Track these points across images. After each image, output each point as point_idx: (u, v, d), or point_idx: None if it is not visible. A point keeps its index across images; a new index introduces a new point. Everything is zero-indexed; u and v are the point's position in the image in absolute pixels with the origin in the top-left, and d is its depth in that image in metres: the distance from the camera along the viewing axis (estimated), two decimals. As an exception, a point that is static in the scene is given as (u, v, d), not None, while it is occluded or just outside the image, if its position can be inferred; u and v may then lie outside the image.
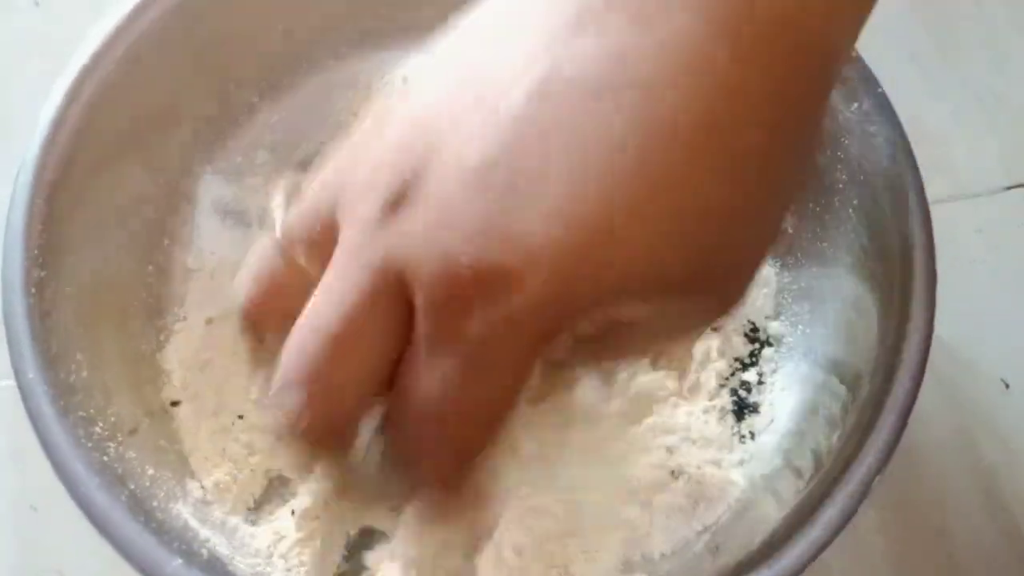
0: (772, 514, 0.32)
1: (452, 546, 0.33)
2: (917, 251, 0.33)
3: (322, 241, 0.26)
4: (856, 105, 0.35)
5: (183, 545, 0.29)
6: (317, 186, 0.27)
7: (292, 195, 0.31)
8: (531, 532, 0.33)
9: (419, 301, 0.24)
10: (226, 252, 0.39)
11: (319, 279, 0.26)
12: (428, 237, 0.23)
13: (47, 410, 0.29)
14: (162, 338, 0.37)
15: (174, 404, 0.36)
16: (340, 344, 0.25)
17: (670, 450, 0.35)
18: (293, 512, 0.33)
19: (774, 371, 0.38)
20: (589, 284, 0.22)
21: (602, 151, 0.22)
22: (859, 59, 0.36)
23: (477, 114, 0.23)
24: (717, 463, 0.35)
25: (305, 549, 0.33)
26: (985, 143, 0.47)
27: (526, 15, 0.24)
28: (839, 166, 0.36)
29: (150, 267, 0.37)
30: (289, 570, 0.32)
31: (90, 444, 0.30)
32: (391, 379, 0.26)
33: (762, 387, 0.37)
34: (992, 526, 0.39)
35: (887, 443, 0.30)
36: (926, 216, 0.34)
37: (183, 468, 0.34)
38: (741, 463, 0.35)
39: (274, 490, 0.35)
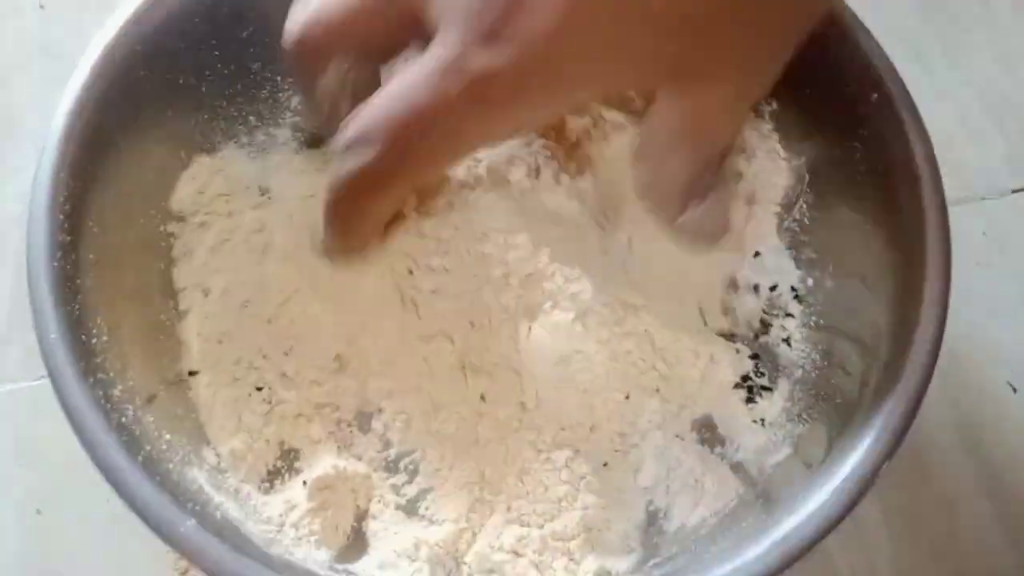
0: (780, 499, 0.32)
1: None
2: (932, 243, 0.33)
3: None
4: (875, 96, 0.36)
5: (197, 507, 0.29)
6: None
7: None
8: None
9: (428, 17, 0.29)
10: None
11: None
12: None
13: (67, 370, 0.30)
14: (182, 309, 0.37)
15: (192, 374, 0.36)
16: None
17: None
18: (305, 483, 0.34)
19: (787, 363, 0.38)
20: (595, 41, 0.28)
21: None
22: (880, 51, 0.36)
23: None
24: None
25: (316, 519, 0.33)
26: (992, 145, 0.47)
27: None
28: (857, 156, 0.36)
29: (171, 239, 0.38)
30: (300, 538, 0.33)
31: (109, 405, 0.30)
32: None
33: (775, 376, 0.37)
34: (998, 529, 0.39)
35: (895, 432, 0.31)
36: (942, 207, 0.34)
37: (199, 436, 0.35)
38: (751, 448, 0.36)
39: (287, 461, 0.35)
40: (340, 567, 0.33)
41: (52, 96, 0.35)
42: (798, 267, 0.39)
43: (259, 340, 0.37)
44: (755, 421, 0.36)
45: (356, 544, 0.34)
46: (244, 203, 0.40)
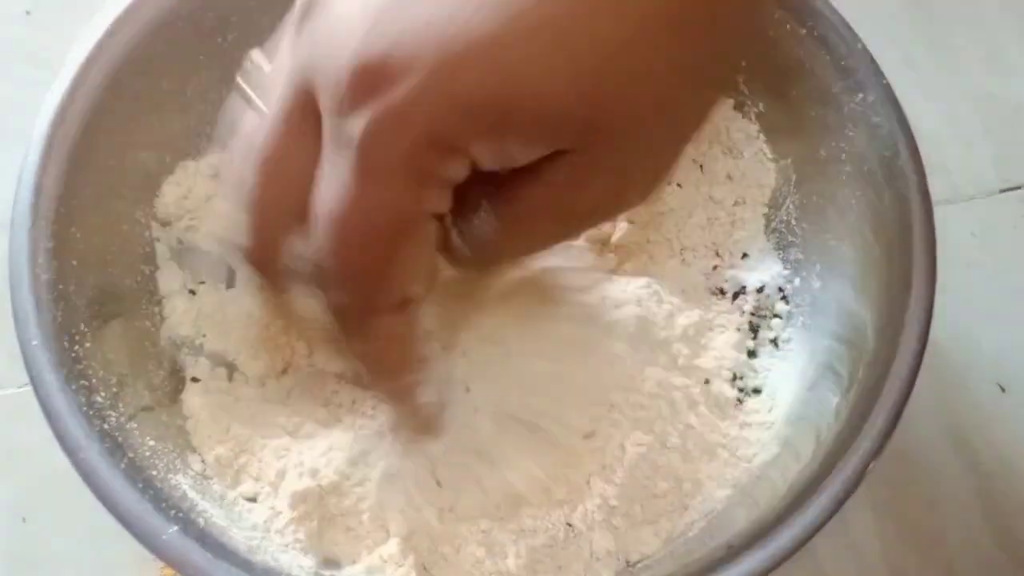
0: (768, 498, 0.32)
1: None
2: (918, 242, 0.33)
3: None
4: (861, 96, 0.36)
5: (180, 514, 0.29)
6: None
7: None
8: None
9: (321, 109, 0.24)
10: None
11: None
12: (324, 43, 0.23)
13: (49, 377, 0.30)
14: (166, 314, 0.37)
15: (194, 380, 0.36)
16: (266, 163, 0.26)
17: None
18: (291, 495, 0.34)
19: (774, 363, 0.38)
20: (474, 86, 0.22)
21: None
22: (865, 52, 0.36)
23: None
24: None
25: (300, 527, 0.33)
26: (979, 145, 0.47)
27: None
28: (843, 157, 0.36)
29: (156, 244, 0.38)
30: (286, 545, 0.33)
31: (91, 412, 0.30)
32: None
33: (766, 374, 0.37)
34: (987, 529, 0.39)
35: (882, 431, 0.31)
36: (928, 207, 0.34)
37: (184, 442, 0.34)
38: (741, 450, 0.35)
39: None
40: (326, 574, 0.32)
41: (37, 102, 0.34)
42: (785, 268, 0.39)
43: (244, 344, 0.37)
44: (744, 421, 0.36)
45: (342, 550, 0.34)
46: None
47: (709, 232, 0.40)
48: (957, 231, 0.44)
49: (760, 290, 0.39)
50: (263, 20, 0.40)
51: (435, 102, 0.22)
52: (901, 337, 0.32)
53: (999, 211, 0.45)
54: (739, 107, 0.41)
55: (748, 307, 0.39)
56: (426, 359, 0.30)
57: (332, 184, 0.24)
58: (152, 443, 0.32)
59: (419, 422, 0.32)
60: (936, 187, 0.34)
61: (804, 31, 0.37)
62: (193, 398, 0.36)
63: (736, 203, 0.40)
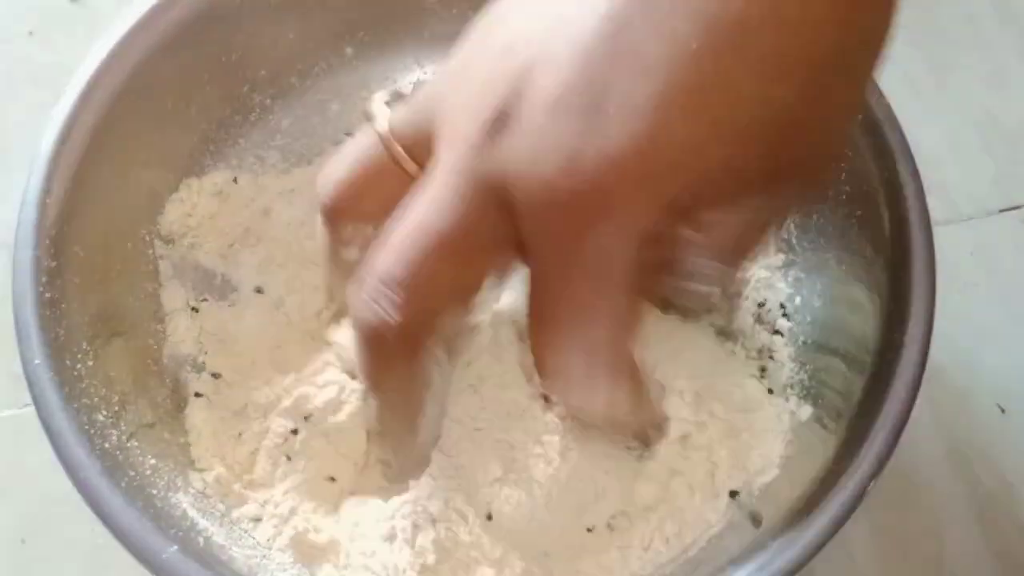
0: (766, 520, 0.32)
1: None
2: (918, 262, 0.33)
3: (421, 142, 0.28)
4: (861, 116, 0.36)
5: (180, 533, 0.29)
6: (421, 97, 0.29)
7: (394, 101, 0.31)
8: None
9: (526, 227, 0.25)
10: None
11: (413, 177, 0.28)
12: (528, 161, 0.24)
13: (51, 396, 0.30)
14: (168, 332, 0.37)
15: (198, 395, 0.36)
16: (446, 247, 0.26)
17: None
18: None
19: (775, 381, 0.38)
20: (673, 183, 0.23)
21: (674, 64, 0.22)
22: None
23: (558, 42, 0.24)
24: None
25: (302, 547, 0.33)
26: (979, 165, 0.46)
27: None
28: (844, 177, 0.36)
29: (160, 261, 0.38)
30: (286, 564, 0.33)
31: (93, 431, 0.30)
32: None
33: (771, 397, 0.37)
34: (988, 551, 0.39)
35: (881, 452, 0.31)
36: (927, 227, 0.34)
37: (185, 460, 0.34)
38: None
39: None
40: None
41: (40, 122, 0.35)
42: (787, 286, 0.39)
43: (243, 362, 0.37)
44: (744, 441, 0.36)
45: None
46: (234, 224, 0.40)
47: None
48: (956, 251, 0.44)
49: (761, 305, 0.39)
50: (265, 40, 0.41)
51: (647, 209, 0.24)
52: (901, 357, 0.32)
53: (999, 231, 0.45)
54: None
55: (749, 321, 0.39)
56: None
57: (570, 300, 0.26)
58: (153, 461, 0.32)
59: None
60: (936, 207, 0.34)
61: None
62: (196, 413, 0.36)
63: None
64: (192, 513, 0.31)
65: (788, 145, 0.24)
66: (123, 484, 0.29)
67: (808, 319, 0.38)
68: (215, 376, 0.37)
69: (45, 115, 0.35)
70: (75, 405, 0.30)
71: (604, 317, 0.26)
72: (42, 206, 0.33)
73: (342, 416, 0.35)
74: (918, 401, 0.31)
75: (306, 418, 0.35)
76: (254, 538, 0.33)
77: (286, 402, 0.36)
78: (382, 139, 0.30)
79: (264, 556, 0.33)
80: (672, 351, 0.37)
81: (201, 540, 0.30)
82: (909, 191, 0.35)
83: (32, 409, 0.30)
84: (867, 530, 0.39)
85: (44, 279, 0.32)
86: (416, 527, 0.33)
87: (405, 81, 0.44)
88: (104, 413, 0.31)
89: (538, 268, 0.26)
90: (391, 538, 0.33)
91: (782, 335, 0.38)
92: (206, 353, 0.37)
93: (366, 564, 0.33)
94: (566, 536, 0.34)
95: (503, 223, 0.25)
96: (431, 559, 0.32)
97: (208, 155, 0.40)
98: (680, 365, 0.37)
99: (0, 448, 0.40)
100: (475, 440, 0.34)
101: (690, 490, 0.35)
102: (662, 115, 0.23)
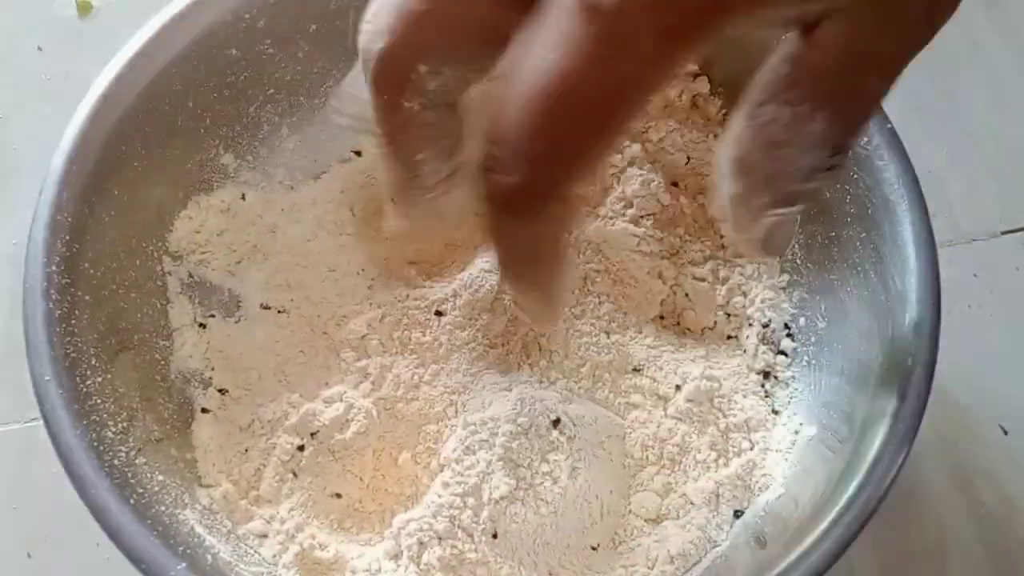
0: (773, 539, 0.32)
1: None
2: (921, 283, 0.34)
3: None
4: (865, 140, 0.36)
5: (188, 550, 0.29)
6: None
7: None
8: None
9: None
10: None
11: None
12: None
13: (61, 413, 0.30)
14: (175, 347, 0.37)
15: (204, 411, 0.36)
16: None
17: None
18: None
19: (780, 401, 0.38)
20: None
21: None
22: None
23: None
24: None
25: (308, 563, 0.33)
26: (982, 187, 0.47)
27: None
28: (848, 199, 0.37)
29: (168, 278, 0.38)
30: (292, 582, 0.33)
31: (102, 447, 0.30)
32: None
33: (775, 416, 0.38)
34: (990, 571, 0.39)
35: (887, 473, 0.31)
36: (931, 249, 0.34)
37: (192, 476, 0.35)
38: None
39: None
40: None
41: (50, 136, 0.35)
42: (791, 306, 0.39)
43: (250, 376, 0.37)
44: (750, 461, 0.36)
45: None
46: (242, 241, 0.40)
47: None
48: (960, 272, 0.44)
49: (766, 325, 0.39)
50: (273, 60, 0.41)
51: None
52: (905, 379, 0.32)
53: (1002, 252, 0.45)
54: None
55: (753, 340, 0.39)
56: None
57: (554, 50, 0.21)
58: (160, 478, 0.32)
59: (548, 312, 0.30)
60: (939, 228, 0.34)
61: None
62: (203, 429, 0.36)
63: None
64: (199, 530, 0.32)
65: None
66: (132, 501, 0.29)
67: (812, 339, 0.38)
68: (222, 392, 0.37)
69: (54, 128, 0.35)
70: (84, 422, 0.30)
71: (601, 69, 0.21)
72: (53, 225, 0.33)
73: (349, 433, 0.35)
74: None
75: (313, 435, 0.35)
76: (260, 555, 0.33)
77: (293, 418, 0.36)
78: None
79: (270, 573, 0.33)
80: (678, 362, 0.38)
81: (209, 557, 0.30)
82: (912, 212, 0.35)
83: (39, 423, 0.30)
84: (870, 549, 0.39)
85: (55, 296, 0.32)
86: (422, 544, 0.33)
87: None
88: (113, 430, 0.32)
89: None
90: (397, 556, 0.33)
91: (786, 355, 0.39)
92: (213, 369, 0.37)
93: None
94: (571, 554, 0.34)
95: None
96: None
97: (216, 172, 0.41)
98: (685, 380, 0.37)
99: (7, 462, 0.40)
100: (482, 457, 0.34)
101: (695, 509, 0.35)
102: None
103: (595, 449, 0.35)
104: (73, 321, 0.33)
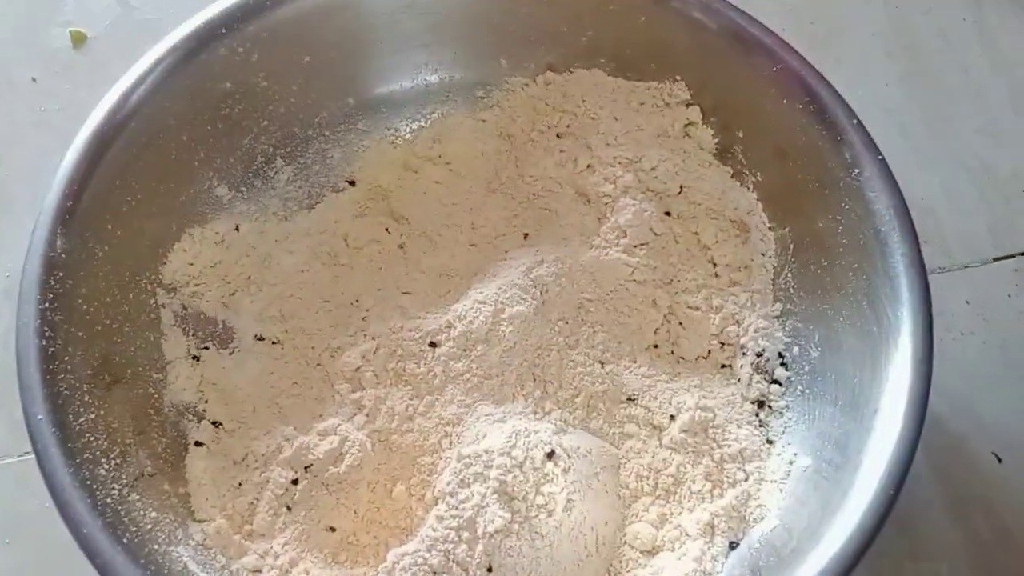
0: (767, 571, 0.32)
1: None
2: (914, 312, 0.34)
3: None
4: (857, 171, 0.36)
5: (182, 589, 0.29)
6: None
7: None
8: None
9: None
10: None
11: None
12: None
13: (54, 452, 0.30)
14: (169, 380, 0.37)
15: (198, 444, 0.36)
16: None
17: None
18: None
19: (774, 430, 0.38)
20: None
21: None
22: (861, 127, 0.37)
23: None
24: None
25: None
26: (974, 214, 0.47)
27: None
28: (840, 230, 0.37)
29: (161, 311, 0.38)
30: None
31: (95, 485, 0.30)
32: None
33: (770, 447, 0.37)
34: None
35: (883, 503, 0.31)
36: (923, 278, 0.34)
37: (185, 511, 0.34)
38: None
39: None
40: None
41: (44, 169, 0.35)
42: (785, 335, 0.39)
43: (245, 411, 0.37)
44: (744, 491, 0.36)
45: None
46: (236, 272, 0.40)
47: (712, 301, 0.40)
48: (952, 299, 0.44)
49: (760, 355, 0.39)
50: (267, 93, 0.41)
51: None
52: (899, 407, 0.32)
53: (993, 279, 0.45)
54: (737, 176, 0.41)
55: (748, 369, 0.39)
56: None
57: None
58: (154, 514, 0.32)
59: None
60: (931, 255, 0.35)
61: (801, 106, 0.37)
62: (196, 462, 0.36)
63: (740, 269, 0.41)
64: (193, 567, 0.31)
65: None
66: (125, 540, 0.29)
67: (806, 369, 0.38)
68: (216, 425, 0.37)
69: (48, 160, 0.35)
70: (77, 460, 0.30)
71: None
72: (47, 262, 0.33)
73: (343, 466, 0.35)
74: (914, 449, 0.31)
75: (307, 468, 0.35)
76: (254, 590, 0.33)
77: (287, 452, 0.36)
78: None
79: (265, 608, 0.32)
80: (672, 391, 0.38)
81: (202, 596, 0.30)
82: (904, 241, 0.35)
83: (31, 457, 0.30)
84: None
85: (48, 334, 0.32)
86: None
87: (407, 130, 0.44)
88: (106, 467, 0.31)
89: None
90: None
91: (780, 384, 0.39)
92: (207, 401, 0.37)
93: None
94: None
95: None
96: None
97: (210, 204, 0.41)
98: (679, 409, 0.37)
99: (1, 495, 0.40)
100: (476, 491, 0.34)
101: (690, 541, 0.35)
102: None
103: (590, 480, 0.35)
104: (66, 358, 0.32)
